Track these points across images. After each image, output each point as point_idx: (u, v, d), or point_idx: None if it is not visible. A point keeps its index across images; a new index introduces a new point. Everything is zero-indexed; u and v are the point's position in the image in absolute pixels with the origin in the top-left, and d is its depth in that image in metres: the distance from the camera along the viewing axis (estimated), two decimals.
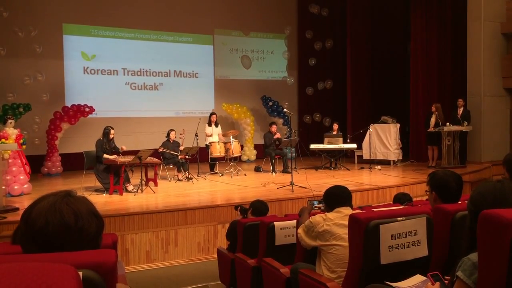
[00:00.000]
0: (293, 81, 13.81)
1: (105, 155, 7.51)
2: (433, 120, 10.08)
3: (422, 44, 11.42)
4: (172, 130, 9.31)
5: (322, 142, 10.65)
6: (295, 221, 3.62)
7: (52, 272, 0.82)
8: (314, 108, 13.86)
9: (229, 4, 13.03)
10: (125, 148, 7.83)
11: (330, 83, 13.81)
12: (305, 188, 7.47)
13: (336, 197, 3.03)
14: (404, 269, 2.36)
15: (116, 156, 7.58)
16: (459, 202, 2.65)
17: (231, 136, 9.86)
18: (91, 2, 11.34)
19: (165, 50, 12.43)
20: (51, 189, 1.43)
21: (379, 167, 10.30)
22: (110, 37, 11.77)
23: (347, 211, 2.91)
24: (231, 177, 9.31)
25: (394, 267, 2.39)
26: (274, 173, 9.77)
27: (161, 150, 8.99)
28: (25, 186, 7.63)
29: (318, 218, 2.97)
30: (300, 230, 3.11)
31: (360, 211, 3.02)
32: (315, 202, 3.70)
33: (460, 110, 10.18)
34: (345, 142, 10.71)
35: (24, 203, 6.55)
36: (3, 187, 6.63)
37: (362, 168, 10.42)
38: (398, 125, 10.93)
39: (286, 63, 14.18)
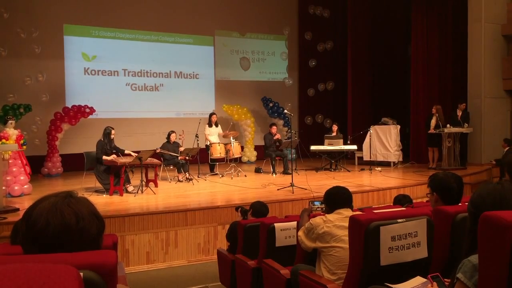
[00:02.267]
0: (291, 82, 13.80)
1: (104, 156, 7.50)
2: (433, 122, 10.08)
3: (422, 45, 11.43)
4: (172, 132, 9.30)
5: (322, 144, 10.64)
6: (295, 222, 3.62)
7: (54, 273, 0.82)
8: (314, 109, 13.87)
9: (230, 5, 13.04)
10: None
11: (331, 84, 13.81)
12: (306, 189, 7.47)
13: (337, 198, 3.01)
14: (404, 271, 2.36)
15: (114, 156, 7.56)
16: (460, 204, 2.66)
17: (231, 137, 9.86)
18: (92, 3, 11.35)
19: (165, 51, 12.45)
20: (51, 190, 1.43)
21: (379, 168, 10.30)
22: (111, 38, 11.78)
23: (348, 212, 2.91)
24: (231, 178, 9.31)
25: (394, 268, 2.38)
26: (274, 174, 9.77)
27: (158, 151, 8.96)
28: (25, 186, 7.63)
29: (318, 220, 2.94)
30: (300, 233, 3.08)
31: (361, 212, 3.02)
32: (317, 203, 3.62)
33: (460, 112, 10.18)
34: (345, 143, 10.71)
35: (24, 204, 6.55)
36: (4, 188, 6.63)
37: (362, 169, 10.42)
38: (399, 126, 10.93)
39: (286, 64, 14.19)
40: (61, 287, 0.79)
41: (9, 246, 2.28)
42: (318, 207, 3.52)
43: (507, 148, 9.33)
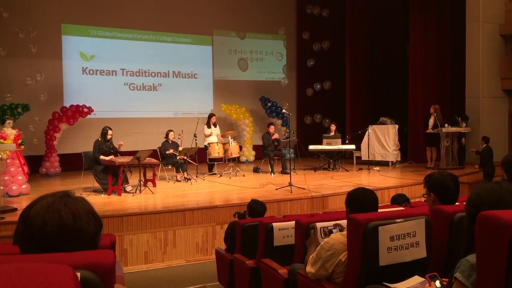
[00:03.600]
0: (287, 82, 13.79)
1: (102, 156, 7.49)
2: (431, 122, 10.10)
3: (421, 45, 11.44)
4: (170, 130, 9.30)
5: (320, 143, 10.65)
6: (293, 222, 3.61)
7: (50, 272, 0.82)
8: (313, 109, 13.87)
9: (228, 5, 13.03)
10: (122, 144, 7.78)
11: (328, 84, 13.81)
12: (304, 189, 7.46)
13: (361, 204, 2.63)
14: (403, 271, 2.36)
15: (112, 156, 7.56)
16: (457, 203, 2.66)
17: (229, 137, 9.86)
18: (90, 3, 11.33)
19: (164, 51, 12.43)
20: (49, 190, 1.43)
21: (377, 168, 10.31)
22: (109, 37, 11.76)
23: None
24: (230, 178, 9.30)
25: (393, 268, 2.38)
26: (272, 174, 9.77)
27: (170, 152, 8.94)
28: (23, 186, 7.61)
29: (337, 244, 2.54)
30: (310, 269, 2.63)
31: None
32: (334, 230, 2.88)
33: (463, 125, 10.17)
34: (343, 143, 10.71)
35: (22, 204, 6.53)
36: (1, 188, 6.61)
37: (360, 169, 10.43)
38: (397, 126, 10.94)
39: (283, 64, 14.19)
40: (57, 287, 0.79)
41: (6, 246, 2.27)
42: (330, 229, 2.91)
43: (484, 146, 9.41)
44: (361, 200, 2.65)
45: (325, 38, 13.89)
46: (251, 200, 4.95)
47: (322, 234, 2.85)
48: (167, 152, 8.99)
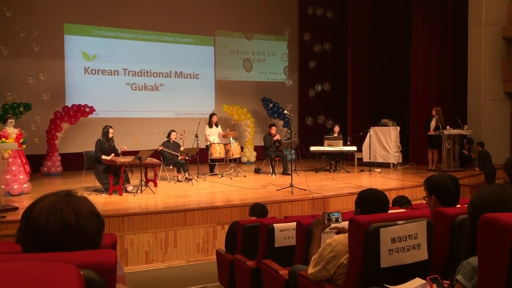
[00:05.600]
0: (291, 83, 13.80)
1: (103, 156, 7.50)
2: (433, 124, 10.08)
3: (423, 47, 11.43)
4: (173, 131, 9.31)
5: (321, 144, 10.64)
6: (294, 223, 3.60)
7: (55, 272, 0.82)
8: (314, 110, 13.87)
9: (231, 6, 13.05)
10: (126, 149, 7.81)
11: (328, 85, 13.82)
12: (305, 190, 7.46)
13: (373, 206, 2.57)
14: (404, 273, 2.36)
15: (113, 155, 7.56)
16: (459, 205, 2.66)
17: (231, 138, 9.86)
18: (92, 3, 11.34)
19: (166, 51, 12.44)
20: (50, 189, 1.43)
21: (379, 170, 10.30)
22: (111, 37, 11.78)
23: None
24: (231, 179, 9.30)
25: (394, 270, 2.38)
26: (273, 175, 9.77)
27: (160, 148, 8.95)
28: (24, 185, 7.62)
29: (340, 246, 2.52)
30: (311, 270, 2.61)
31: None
32: (336, 214, 2.82)
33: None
34: (345, 144, 10.71)
35: (23, 203, 6.54)
36: (3, 187, 6.62)
37: (362, 170, 10.42)
38: (398, 128, 10.93)
39: (285, 65, 14.20)
40: (63, 286, 0.79)
41: (8, 244, 2.27)
42: (336, 217, 2.81)
43: (480, 149, 9.73)
44: (374, 202, 2.60)
45: (326, 39, 13.90)
46: (256, 203, 4.96)
47: (326, 220, 2.85)
48: (158, 149, 8.87)
